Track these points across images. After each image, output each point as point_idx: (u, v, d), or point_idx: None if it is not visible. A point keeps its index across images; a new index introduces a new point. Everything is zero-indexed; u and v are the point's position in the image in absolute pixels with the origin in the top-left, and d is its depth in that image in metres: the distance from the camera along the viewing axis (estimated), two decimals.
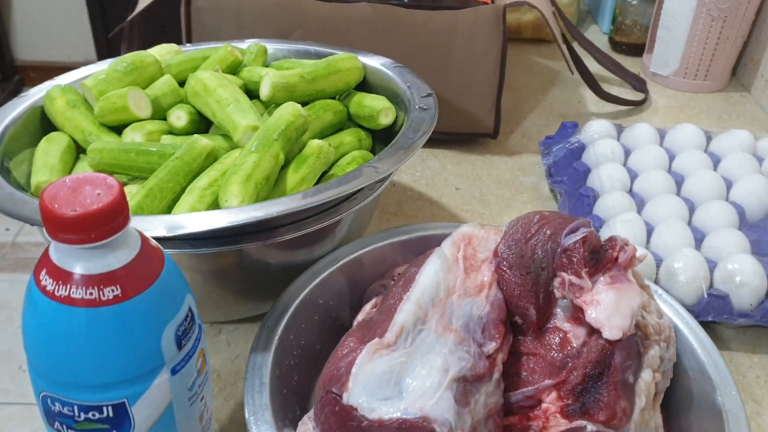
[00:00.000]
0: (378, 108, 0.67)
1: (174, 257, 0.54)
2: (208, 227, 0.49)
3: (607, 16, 1.25)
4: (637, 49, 1.19)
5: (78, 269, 0.34)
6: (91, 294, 0.34)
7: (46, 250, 0.36)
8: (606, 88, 1.10)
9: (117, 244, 0.35)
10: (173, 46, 0.76)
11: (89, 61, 2.82)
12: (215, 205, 0.56)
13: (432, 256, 0.52)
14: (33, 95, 0.69)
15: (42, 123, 0.68)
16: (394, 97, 0.70)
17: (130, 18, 0.90)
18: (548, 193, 0.87)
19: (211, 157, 0.60)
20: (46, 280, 0.35)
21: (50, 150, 0.63)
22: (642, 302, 0.49)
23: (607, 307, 0.48)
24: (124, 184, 0.63)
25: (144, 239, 0.37)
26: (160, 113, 0.68)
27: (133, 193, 0.60)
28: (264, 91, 0.66)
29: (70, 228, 0.33)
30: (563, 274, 0.50)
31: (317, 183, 0.62)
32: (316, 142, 0.61)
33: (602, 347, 0.47)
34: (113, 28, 2.74)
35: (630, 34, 1.19)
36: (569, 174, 0.84)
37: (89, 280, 0.34)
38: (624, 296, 0.49)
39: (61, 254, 0.35)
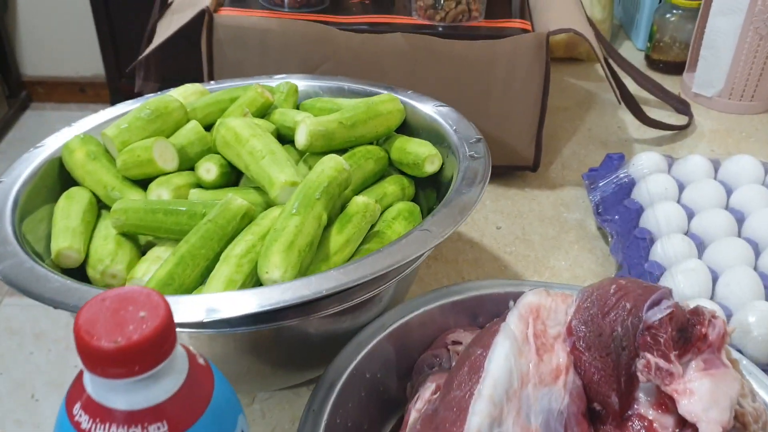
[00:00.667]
0: (423, 155, 0.62)
1: (206, 338, 0.49)
2: (252, 310, 0.44)
3: (642, 31, 1.20)
4: (675, 68, 1.14)
5: (119, 405, 0.29)
6: None
7: (80, 376, 0.31)
8: (646, 110, 1.05)
9: (163, 373, 0.30)
10: (197, 87, 0.71)
11: (97, 76, 2.78)
12: (254, 274, 0.51)
13: (500, 337, 0.46)
14: (50, 146, 0.64)
15: (60, 177, 0.63)
16: (439, 140, 0.65)
17: (149, 50, 0.85)
18: (595, 231, 0.82)
19: (247, 218, 0.55)
20: (81, 416, 0.30)
21: (71, 210, 0.58)
22: (740, 389, 0.44)
23: (703, 398, 0.42)
24: (149, 245, 0.59)
25: (191, 357, 0.32)
26: (187, 163, 0.63)
27: (162, 257, 0.55)
28: (301, 140, 0.61)
29: (111, 362, 0.28)
30: (648, 356, 0.45)
31: (362, 243, 0.56)
32: (361, 199, 0.55)
33: None
34: (121, 43, 2.71)
35: (668, 52, 1.13)
36: (620, 212, 0.78)
37: (132, 418, 0.29)
38: (721, 384, 0.43)
39: (98, 387, 0.29)
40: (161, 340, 0.29)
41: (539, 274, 0.76)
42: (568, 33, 0.79)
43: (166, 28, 0.86)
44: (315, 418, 0.48)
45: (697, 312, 0.47)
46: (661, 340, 0.45)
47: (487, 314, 0.59)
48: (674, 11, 1.10)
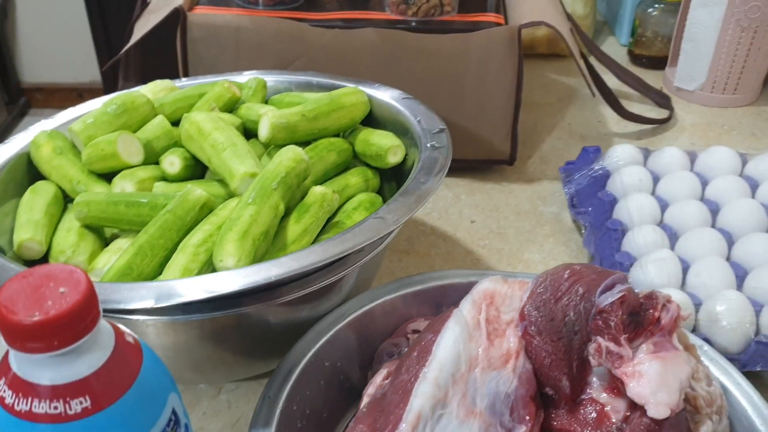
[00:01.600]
0: (386, 146, 0.62)
1: (163, 325, 0.50)
2: (200, 296, 0.44)
3: (626, 27, 1.19)
4: (658, 62, 1.14)
5: (41, 380, 0.29)
6: (55, 408, 0.29)
7: (6, 355, 0.31)
8: (627, 105, 1.05)
9: (85, 348, 0.30)
10: (167, 83, 0.71)
11: (94, 82, 2.80)
12: (210, 263, 0.51)
13: (450, 321, 0.46)
14: (19, 141, 0.64)
15: (28, 172, 0.63)
16: (404, 132, 0.65)
17: (125, 49, 0.86)
18: (571, 224, 0.82)
19: (206, 209, 0.55)
20: (5, 391, 0.30)
21: (35, 203, 0.58)
22: (691, 372, 0.44)
23: (652, 381, 0.42)
24: (114, 237, 0.59)
25: (118, 334, 0.32)
26: (153, 157, 0.63)
27: (124, 248, 0.55)
28: (263, 132, 0.61)
29: (28, 336, 0.28)
30: (599, 339, 0.45)
31: (321, 232, 0.57)
32: (318, 189, 0.55)
33: (647, 427, 0.42)
34: (117, 49, 2.70)
35: (651, 47, 1.13)
36: (594, 204, 0.78)
37: (53, 392, 0.29)
38: (670, 367, 0.43)
39: (21, 362, 0.30)
40: (81, 316, 0.29)
41: (512, 266, 0.75)
42: (544, 27, 0.79)
43: (143, 27, 0.86)
44: (270, 404, 0.48)
45: (651, 297, 0.47)
46: (612, 324, 0.45)
47: (451, 304, 0.58)
48: (656, 5, 1.10)
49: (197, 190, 0.54)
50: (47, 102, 2.81)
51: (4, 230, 0.58)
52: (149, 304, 0.43)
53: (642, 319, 0.46)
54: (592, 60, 1.04)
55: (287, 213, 0.55)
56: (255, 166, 0.56)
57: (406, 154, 0.64)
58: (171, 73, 0.89)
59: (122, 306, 0.43)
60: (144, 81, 0.99)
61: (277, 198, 0.53)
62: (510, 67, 0.80)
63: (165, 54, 0.98)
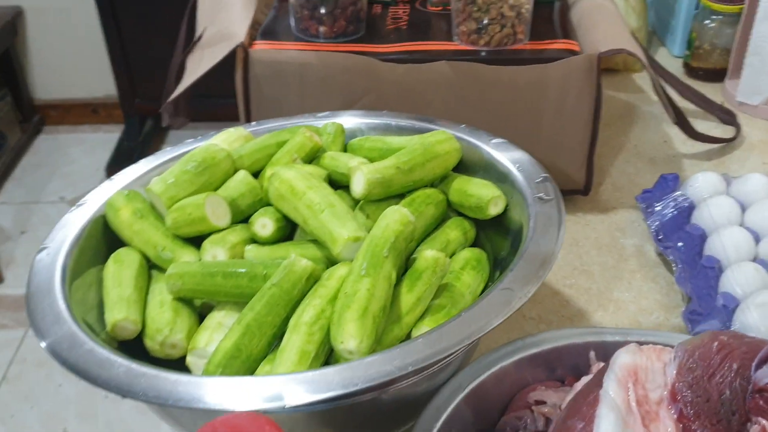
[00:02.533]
0: (486, 197, 0.59)
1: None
2: (334, 393, 0.41)
3: (679, 38, 1.16)
4: (715, 75, 1.10)
5: None
6: None
7: None
8: (691, 121, 1.01)
9: None
10: (241, 131, 0.68)
11: (109, 96, 2.75)
12: (326, 342, 0.48)
13: (602, 408, 0.43)
14: (91, 203, 0.61)
15: (106, 237, 0.60)
16: (500, 179, 0.62)
17: (184, 87, 0.82)
18: (655, 257, 0.78)
19: (312, 279, 0.52)
20: None
21: (122, 275, 0.55)
22: None
23: None
24: (205, 306, 0.56)
25: None
26: (238, 216, 0.60)
27: (223, 323, 0.52)
28: (358, 189, 0.58)
29: None
30: (763, 421, 0.42)
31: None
32: (430, 254, 0.52)
33: None
34: (134, 61, 2.67)
35: (708, 59, 1.09)
36: (683, 239, 0.75)
37: None
38: None
39: None
40: None
41: (603, 308, 0.72)
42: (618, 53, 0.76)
43: (197, 63, 0.83)
44: None
45: None
46: None
47: (566, 366, 0.56)
48: (713, 17, 1.06)
49: (302, 261, 0.51)
50: (62, 119, 2.77)
51: (91, 305, 0.55)
52: (286, 403, 0.40)
53: None
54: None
55: (397, 281, 0.52)
56: (358, 230, 0.53)
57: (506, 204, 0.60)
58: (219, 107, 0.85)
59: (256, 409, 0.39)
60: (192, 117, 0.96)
61: (390, 267, 0.50)
62: (588, 96, 0.76)
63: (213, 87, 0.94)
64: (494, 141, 0.64)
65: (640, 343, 0.54)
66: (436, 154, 0.61)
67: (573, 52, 0.77)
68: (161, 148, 2.61)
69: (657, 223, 0.78)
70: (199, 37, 0.86)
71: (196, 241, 0.58)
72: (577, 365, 0.56)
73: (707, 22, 1.07)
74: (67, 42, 2.63)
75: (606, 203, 0.86)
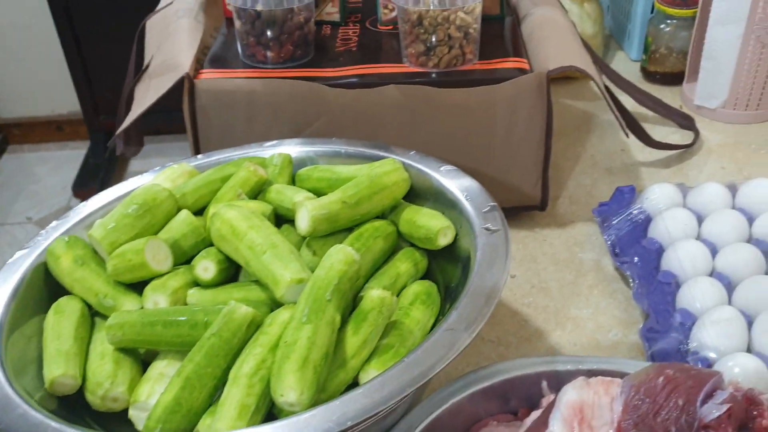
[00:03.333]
0: (435, 229, 0.58)
1: None
2: None
3: (636, 42, 1.16)
4: (673, 78, 1.10)
5: None
6: None
7: None
8: (648, 128, 1.01)
9: None
10: (185, 167, 0.67)
11: (73, 113, 2.71)
12: (266, 394, 0.47)
13: None
14: (33, 248, 0.59)
15: (47, 284, 0.58)
16: (448, 206, 0.61)
17: (133, 119, 0.80)
18: (613, 271, 0.78)
19: (253, 326, 0.50)
20: None
21: (62, 327, 0.53)
22: None
23: None
24: (149, 353, 0.54)
25: None
26: (182, 257, 0.59)
27: (165, 373, 0.51)
28: (302, 226, 0.57)
29: None
30: None
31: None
32: (376, 293, 0.51)
33: None
34: (95, 78, 2.63)
35: (665, 63, 1.09)
36: (639, 253, 0.74)
37: None
38: None
39: None
40: None
41: (561, 326, 0.72)
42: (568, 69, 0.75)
43: (144, 93, 0.81)
44: None
45: (754, 401, 0.43)
46: None
47: (519, 397, 0.55)
48: (668, 21, 1.06)
49: (242, 308, 0.50)
50: (26, 137, 2.73)
51: (30, 358, 0.53)
52: None
53: (750, 430, 0.42)
54: (608, 83, 1.00)
55: (342, 322, 0.51)
56: (301, 271, 0.52)
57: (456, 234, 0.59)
58: (172, 128, 0.83)
59: None
60: (143, 144, 0.95)
61: (333, 310, 0.49)
62: (539, 113, 0.76)
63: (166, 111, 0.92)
64: (444, 168, 0.63)
65: (592, 372, 0.54)
66: (384, 185, 0.60)
67: (523, 71, 0.76)
68: (128, 164, 2.59)
69: (613, 237, 0.78)
70: (147, 66, 0.85)
71: (139, 287, 0.57)
72: (530, 396, 0.55)
73: (662, 26, 1.07)
74: (29, 59, 2.59)
75: (563, 217, 0.86)
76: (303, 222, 0.56)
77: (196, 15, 0.88)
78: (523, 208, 0.84)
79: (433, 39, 0.75)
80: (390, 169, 0.60)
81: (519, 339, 0.71)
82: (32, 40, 2.55)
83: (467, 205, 0.58)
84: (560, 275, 0.78)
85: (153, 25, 0.92)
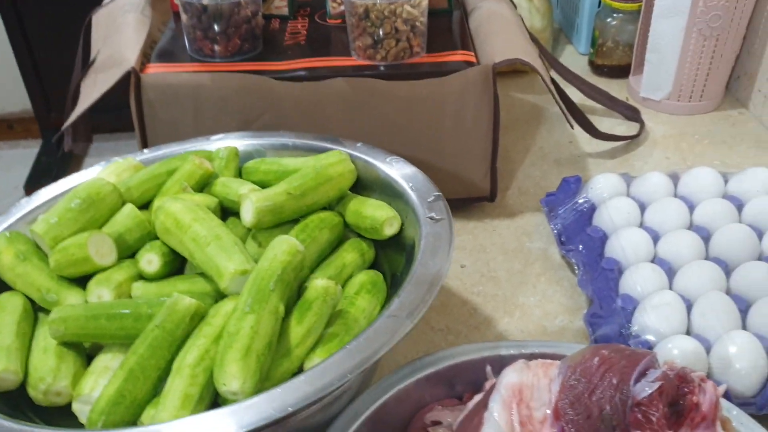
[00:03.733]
0: (381, 219, 0.59)
1: None
2: None
3: (584, 36, 1.18)
4: (620, 71, 1.12)
5: None
6: None
7: None
8: (595, 120, 1.03)
9: None
10: (130, 161, 0.66)
11: (25, 111, 2.66)
12: (210, 384, 0.47)
13: (486, 430, 0.43)
14: None
15: None
16: (395, 197, 0.62)
17: (77, 115, 0.79)
18: (560, 260, 0.80)
19: (197, 318, 0.50)
20: None
21: (3, 322, 0.53)
22: None
23: None
24: (95, 347, 0.54)
25: None
26: (126, 251, 0.58)
27: (110, 367, 0.50)
28: (247, 218, 0.57)
29: None
30: None
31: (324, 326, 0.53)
32: (320, 283, 0.52)
33: None
34: (45, 75, 2.59)
35: (612, 56, 1.12)
36: (583, 241, 0.76)
37: None
38: None
39: None
40: None
41: (510, 314, 0.73)
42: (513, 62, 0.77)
43: (91, 89, 0.80)
44: None
45: (685, 379, 0.45)
46: (653, 418, 0.42)
47: (465, 382, 0.56)
48: (614, 15, 1.09)
49: (185, 299, 0.50)
50: None
51: None
52: None
53: (681, 407, 0.44)
54: (556, 76, 1.02)
55: (287, 312, 0.51)
56: (245, 262, 0.52)
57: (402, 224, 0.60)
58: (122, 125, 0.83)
59: None
60: (92, 139, 0.94)
61: (276, 300, 0.49)
62: (486, 106, 0.77)
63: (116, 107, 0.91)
64: (390, 159, 0.64)
65: (534, 356, 0.55)
66: (329, 177, 0.60)
67: (470, 64, 0.77)
68: (83, 162, 2.55)
69: (559, 226, 0.80)
70: (93, 61, 0.84)
71: (83, 282, 0.56)
72: (475, 380, 0.56)
73: (609, 19, 1.09)
74: None
75: (512, 208, 0.87)
76: (248, 214, 0.56)
77: (143, 9, 0.87)
78: (473, 200, 0.86)
79: (381, 32, 0.76)
80: (336, 161, 0.61)
81: (468, 327, 0.72)
82: None
83: (412, 195, 0.59)
84: (509, 264, 0.79)
85: (99, 19, 0.91)
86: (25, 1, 2.25)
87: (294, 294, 0.53)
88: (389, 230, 0.59)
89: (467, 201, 0.86)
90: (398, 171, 0.63)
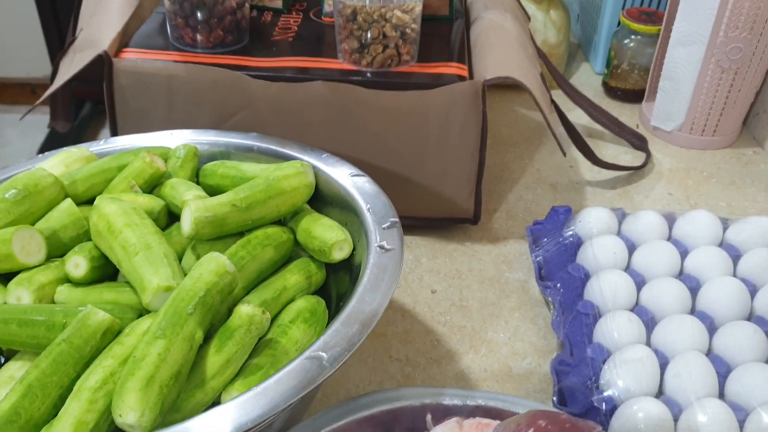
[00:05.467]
0: (330, 242, 0.54)
1: None
2: None
3: (600, 55, 1.12)
4: (635, 95, 1.07)
5: None
6: None
7: None
8: (601, 145, 0.98)
9: None
10: (84, 151, 0.63)
11: (48, 77, 2.64)
12: (110, 411, 0.43)
13: None
14: None
15: None
16: (351, 217, 0.57)
17: (49, 92, 0.76)
18: (538, 295, 0.75)
19: (110, 334, 0.47)
20: None
21: None
22: None
23: None
24: (10, 351, 0.51)
25: None
26: (60, 250, 0.55)
27: (16, 377, 0.47)
28: (185, 228, 0.53)
29: None
30: None
31: (250, 356, 0.49)
32: (245, 310, 0.47)
33: None
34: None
35: (627, 79, 1.06)
36: (563, 279, 0.71)
37: None
38: None
39: None
40: None
41: (475, 350, 0.68)
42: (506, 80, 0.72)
43: (67, 68, 0.77)
44: None
45: None
46: None
47: (402, 428, 0.52)
48: (632, 36, 1.03)
49: (98, 314, 0.46)
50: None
51: None
52: None
53: None
54: (562, 96, 0.97)
55: (209, 336, 0.47)
56: (171, 278, 0.48)
57: (354, 248, 0.56)
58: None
59: None
60: (74, 119, 0.91)
61: (194, 325, 0.45)
62: (474, 123, 0.72)
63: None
64: (354, 175, 0.60)
65: (479, 408, 0.51)
66: (282, 190, 0.56)
67: (461, 78, 0.72)
68: (99, 132, 2.54)
69: (540, 258, 0.75)
70: (73, 39, 0.81)
71: (7, 279, 0.53)
72: (414, 428, 0.52)
73: (627, 41, 1.04)
74: (4, 20, 2.52)
75: (497, 232, 0.83)
76: (186, 223, 0.52)
77: None
78: (455, 220, 0.81)
79: (368, 36, 0.71)
80: (291, 173, 0.56)
81: (428, 360, 0.67)
82: (7, 2, 2.48)
83: (368, 218, 0.55)
84: (483, 294, 0.75)
85: None
86: None
87: (223, 317, 0.49)
88: (338, 254, 0.55)
89: (450, 221, 0.81)
90: (360, 189, 0.58)
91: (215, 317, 0.48)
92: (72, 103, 0.96)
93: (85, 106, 2.51)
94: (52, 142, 2.38)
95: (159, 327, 0.44)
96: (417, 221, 0.80)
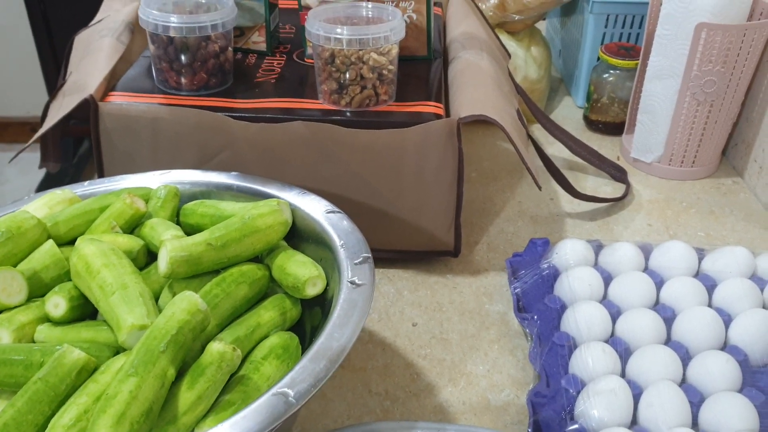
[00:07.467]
0: (303, 278, 0.56)
1: None
2: None
3: (582, 89, 1.14)
4: (615, 128, 1.09)
5: None
6: None
7: None
8: (581, 177, 1.00)
9: None
10: (67, 193, 0.64)
11: None
12: None
13: None
14: None
15: None
16: (326, 253, 0.59)
17: (38, 134, 0.79)
18: (518, 327, 0.76)
19: (85, 373, 0.48)
20: None
21: None
22: None
23: None
24: None
25: None
26: (42, 290, 0.56)
27: None
28: (161, 267, 0.54)
29: None
30: None
31: (222, 392, 0.50)
32: (216, 347, 0.49)
33: None
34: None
35: (607, 112, 1.08)
36: (540, 311, 0.72)
37: None
38: None
39: None
40: None
41: (454, 382, 0.69)
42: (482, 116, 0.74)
43: (56, 112, 0.79)
44: None
45: None
46: None
47: None
48: (611, 71, 1.05)
49: (74, 352, 0.47)
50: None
51: None
52: None
53: None
54: (542, 131, 0.99)
55: (181, 373, 0.48)
56: (145, 317, 0.49)
57: (327, 284, 0.57)
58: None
59: None
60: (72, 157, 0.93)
61: (166, 363, 0.46)
62: (450, 160, 0.74)
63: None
64: (329, 212, 0.61)
65: None
66: (257, 228, 0.57)
67: (437, 116, 0.74)
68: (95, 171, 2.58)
69: (518, 290, 0.76)
70: (63, 83, 0.83)
71: None
72: None
73: (606, 75, 1.06)
74: (4, 59, 2.57)
75: (478, 265, 0.84)
76: (162, 263, 0.54)
77: (120, 35, 0.86)
78: (437, 253, 0.82)
79: (346, 77, 0.73)
80: (266, 212, 0.58)
81: (407, 394, 0.68)
82: (8, 40, 2.54)
83: (341, 254, 0.56)
84: (464, 326, 0.76)
85: (80, 41, 0.91)
86: (54, 8, 2.29)
87: (196, 354, 0.50)
88: (312, 290, 0.56)
89: (431, 254, 0.83)
90: (335, 226, 0.60)
91: (188, 354, 0.49)
92: (65, 143, 0.99)
93: (84, 144, 2.55)
94: (50, 180, 2.41)
95: (131, 365, 0.45)
96: (398, 254, 0.81)
